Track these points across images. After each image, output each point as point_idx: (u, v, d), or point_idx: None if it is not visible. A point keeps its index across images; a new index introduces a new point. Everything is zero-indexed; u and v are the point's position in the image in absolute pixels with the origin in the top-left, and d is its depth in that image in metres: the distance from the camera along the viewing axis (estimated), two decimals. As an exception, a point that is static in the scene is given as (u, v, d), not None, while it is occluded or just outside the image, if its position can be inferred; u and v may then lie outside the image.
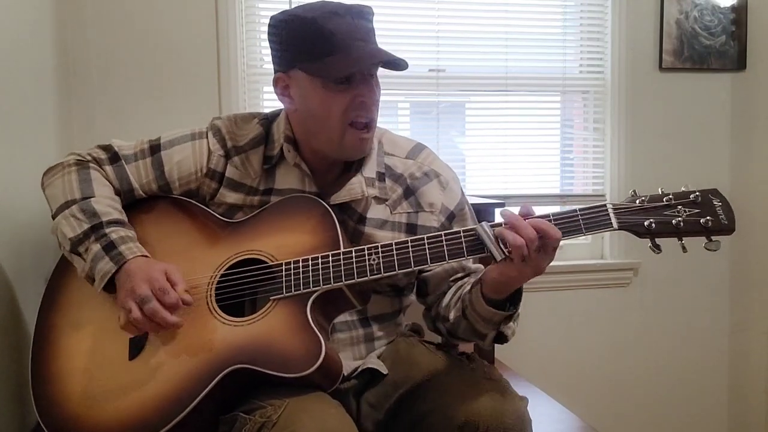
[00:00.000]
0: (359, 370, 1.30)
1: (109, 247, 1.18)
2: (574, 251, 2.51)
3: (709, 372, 2.62)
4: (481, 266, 1.34)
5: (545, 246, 1.09)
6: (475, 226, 1.13)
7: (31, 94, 1.66)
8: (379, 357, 1.33)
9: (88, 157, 1.32)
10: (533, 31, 2.46)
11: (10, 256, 1.41)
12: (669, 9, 2.43)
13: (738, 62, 2.51)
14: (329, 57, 1.17)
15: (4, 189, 1.40)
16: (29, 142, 1.61)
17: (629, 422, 2.55)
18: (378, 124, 1.29)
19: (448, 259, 1.14)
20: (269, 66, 2.22)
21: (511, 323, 1.22)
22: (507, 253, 1.08)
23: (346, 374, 1.25)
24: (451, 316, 1.26)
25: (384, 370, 1.28)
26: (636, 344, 2.54)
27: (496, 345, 1.94)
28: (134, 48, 2.08)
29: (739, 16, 2.49)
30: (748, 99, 2.54)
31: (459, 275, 1.32)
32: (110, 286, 1.19)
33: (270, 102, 2.22)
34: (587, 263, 2.49)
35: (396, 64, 1.20)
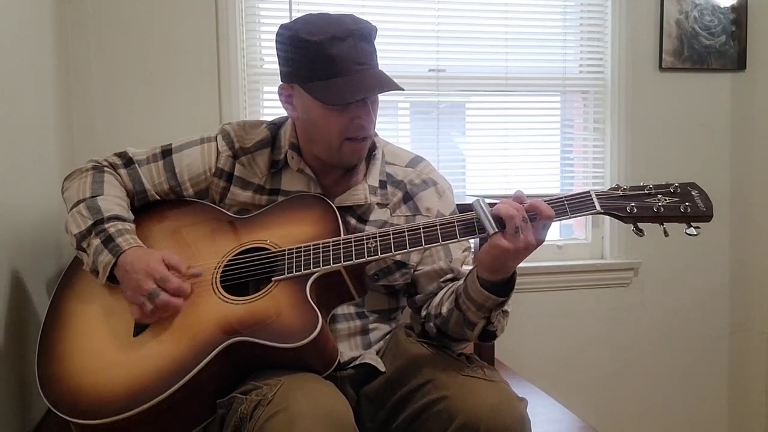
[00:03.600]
0: (357, 362, 1.33)
1: (108, 241, 1.26)
2: (574, 251, 2.49)
3: (709, 372, 2.63)
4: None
5: (536, 221, 1.13)
6: (471, 202, 1.17)
7: (31, 95, 1.66)
8: (378, 352, 1.35)
9: (105, 163, 1.42)
10: (533, 31, 2.46)
11: (10, 256, 1.42)
12: (669, 9, 2.43)
13: (738, 62, 2.51)
14: (330, 80, 1.23)
15: (4, 188, 1.41)
16: (29, 142, 1.61)
17: (629, 422, 2.55)
18: (378, 125, 1.36)
19: (442, 241, 1.18)
20: (269, 66, 2.23)
21: (501, 317, 1.25)
22: (500, 227, 1.12)
23: (342, 361, 1.30)
24: (444, 309, 1.29)
25: (382, 368, 1.31)
26: (636, 344, 2.54)
27: (496, 345, 1.96)
28: (134, 48, 2.08)
29: (739, 16, 2.49)
30: (748, 99, 2.54)
31: (449, 276, 1.36)
32: (113, 278, 1.26)
33: (270, 102, 2.21)
34: (587, 263, 2.47)
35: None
